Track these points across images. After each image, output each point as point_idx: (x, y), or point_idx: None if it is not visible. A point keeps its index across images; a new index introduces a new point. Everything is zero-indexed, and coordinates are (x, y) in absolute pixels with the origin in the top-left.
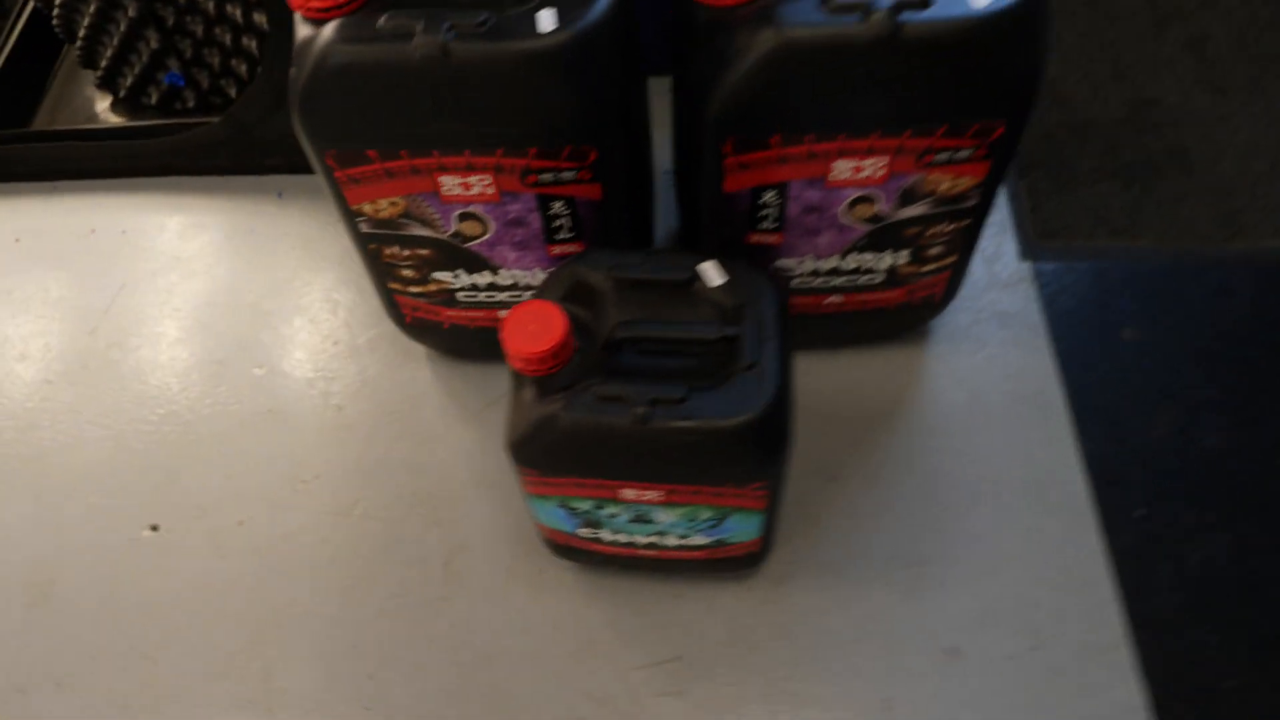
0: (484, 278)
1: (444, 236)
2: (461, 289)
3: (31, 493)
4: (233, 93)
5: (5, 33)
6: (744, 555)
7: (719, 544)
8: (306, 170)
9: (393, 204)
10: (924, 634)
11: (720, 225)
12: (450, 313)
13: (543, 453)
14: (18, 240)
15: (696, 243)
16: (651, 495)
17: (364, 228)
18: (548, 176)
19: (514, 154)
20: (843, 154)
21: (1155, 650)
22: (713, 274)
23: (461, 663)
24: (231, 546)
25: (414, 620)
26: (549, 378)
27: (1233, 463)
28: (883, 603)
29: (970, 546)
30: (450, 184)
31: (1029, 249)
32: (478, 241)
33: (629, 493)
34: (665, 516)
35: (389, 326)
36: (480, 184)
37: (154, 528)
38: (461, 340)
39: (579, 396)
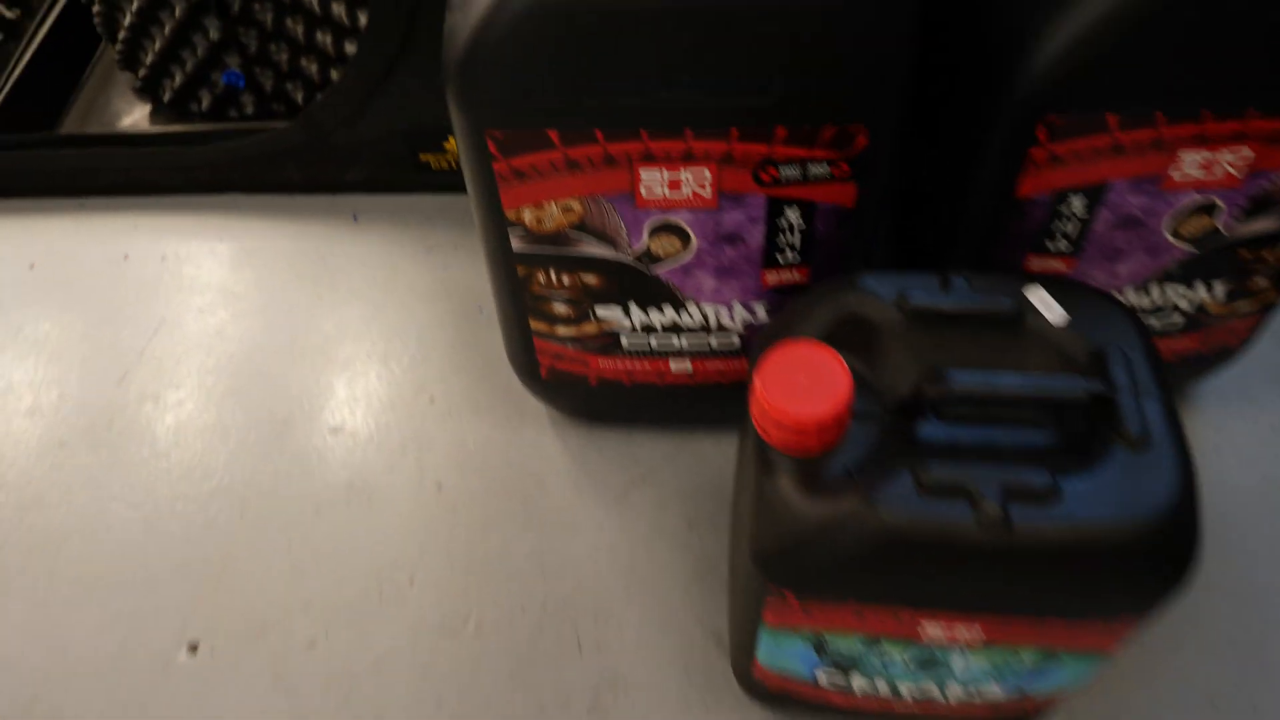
0: (664, 315)
1: (628, 258)
2: (629, 331)
3: (32, 594)
4: (299, 98)
5: (32, 31)
6: (1027, 711)
7: (1018, 697)
8: (390, 189)
9: (567, 209)
10: None
11: (986, 246)
12: (604, 363)
13: (821, 571)
14: (33, 267)
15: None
16: (968, 634)
17: (517, 243)
18: (792, 172)
19: (754, 136)
20: (1201, 141)
21: None
22: (1050, 304)
23: None
24: (298, 675)
25: None
26: (820, 460)
27: None
28: None
29: None
30: (654, 181)
31: None
32: (671, 264)
33: (934, 629)
34: (970, 662)
35: (502, 380)
36: (695, 181)
37: (193, 647)
38: (608, 401)
39: (889, 486)
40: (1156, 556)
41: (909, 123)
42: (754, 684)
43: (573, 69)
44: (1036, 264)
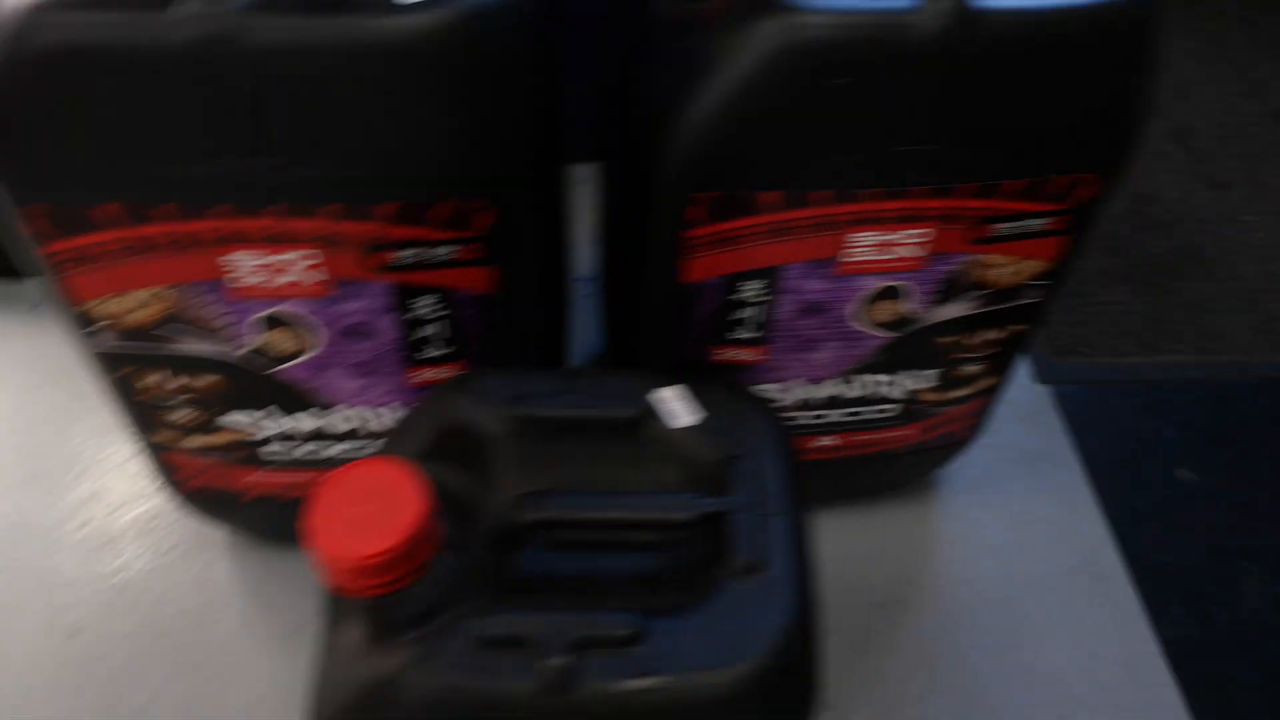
0: (305, 421)
1: (236, 357)
2: (269, 440)
3: None
4: None
5: None
6: None
7: None
8: None
9: (150, 300)
10: None
11: (671, 337)
12: (254, 477)
13: None
14: None
15: (632, 366)
16: None
17: (105, 342)
18: (409, 255)
19: (357, 213)
20: (868, 221)
21: None
22: (677, 407)
23: None
24: None
25: None
26: (395, 600)
27: None
28: None
29: None
30: (246, 265)
31: (1044, 370)
32: (295, 363)
33: None
34: None
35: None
36: (300, 266)
37: None
38: (273, 519)
39: (444, 641)
40: (763, 709)
41: (555, 199)
42: None
43: (115, 127)
44: (724, 355)
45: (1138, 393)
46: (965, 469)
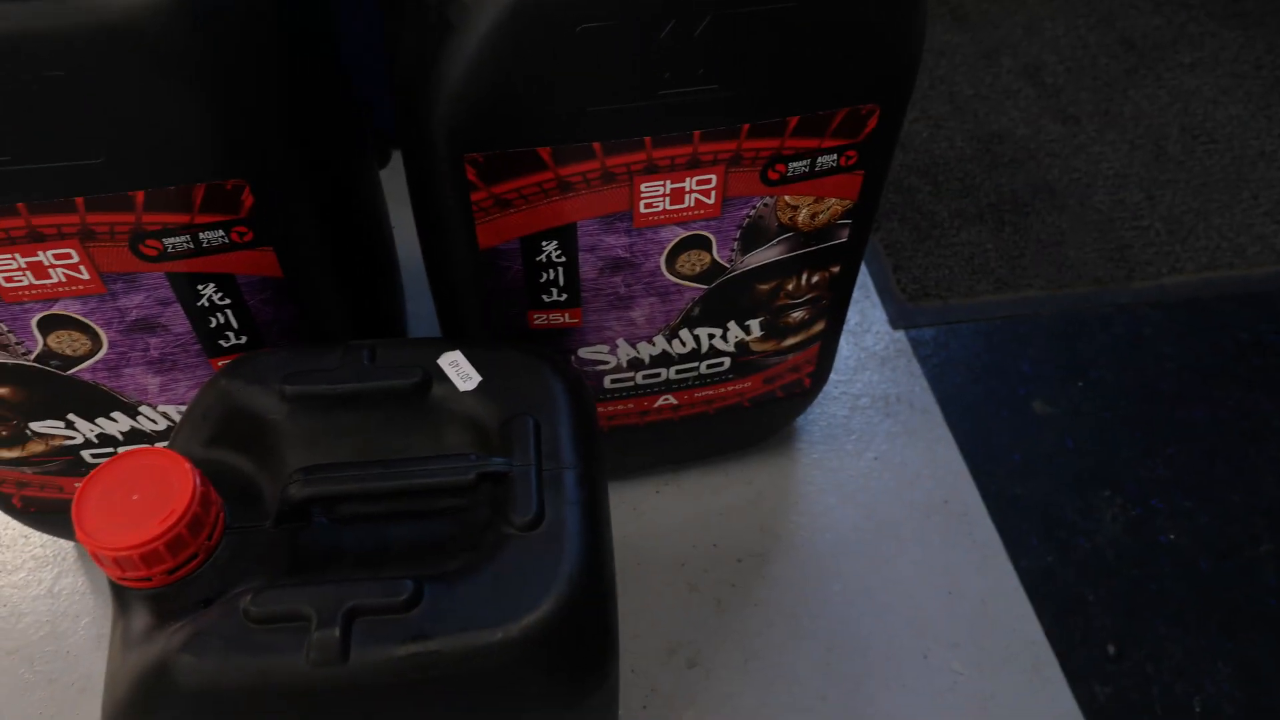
0: (117, 423)
1: (26, 361)
2: (88, 445)
3: None
4: None
5: None
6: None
7: None
8: None
9: None
10: None
11: (484, 304)
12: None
13: None
14: None
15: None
16: None
17: None
18: (178, 243)
19: (107, 203)
20: (652, 169)
21: None
22: (459, 371)
23: None
24: None
25: None
26: (175, 589)
27: (1206, 559)
28: None
29: None
30: (9, 267)
31: (900, 314)
32: (88, 364)
33: None
34: None
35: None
36: (61, 264)
37: None
38: None
39: (216, 622)
40: (546, 664)
41: (344, 179)
42: None
43: None
44: (541, 320)
45: (994, 330)
46: (822, 418)
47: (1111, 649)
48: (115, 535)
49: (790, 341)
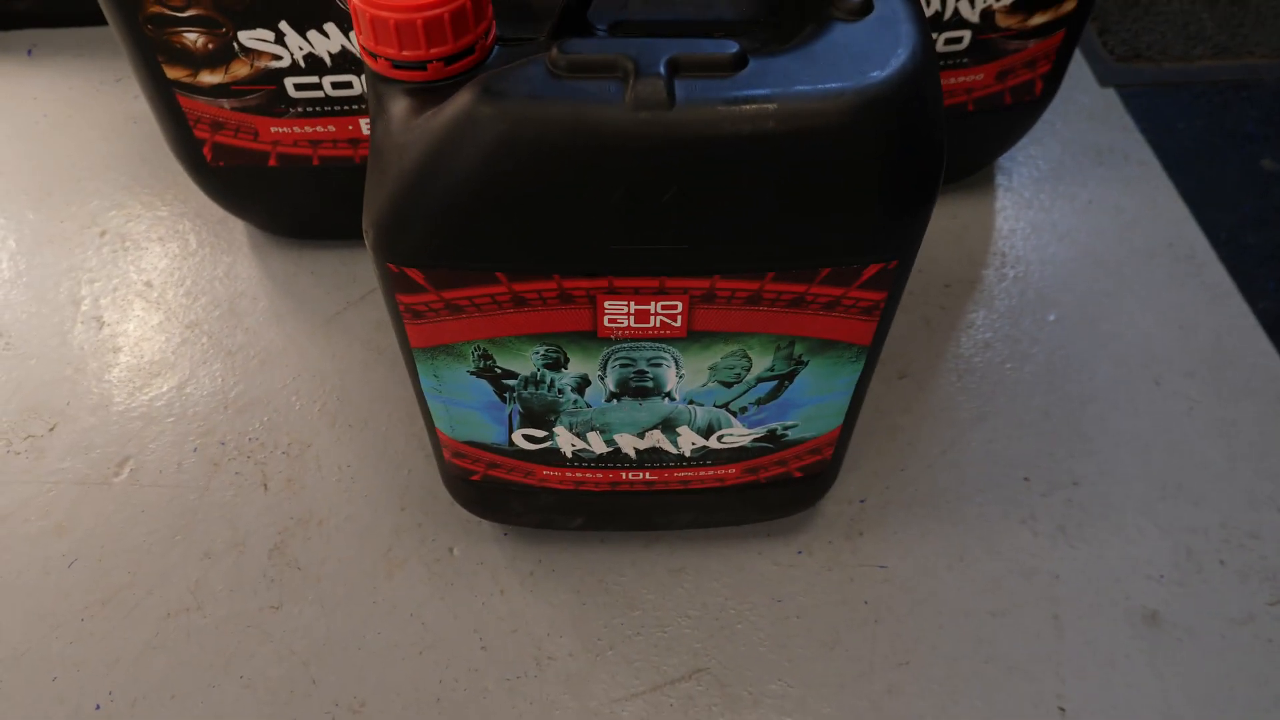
0: (328, 40)
1: None
2: (290, 73)
3: None
4: None
5: None
6: (803, 473)
7: (770, 445)
8: (70, 21)
9: None
10: (1101, 595)
11: None
12: (278, 128)
13: (439, 216)
14: None
15: None
16: (664, 318)
17: None
18: None
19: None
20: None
21: None
22: None
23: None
24: None
25: (217, 650)
26: (447, 90)
27: None
28: (1026, 549)
29: (1135, 457)
30: None
31: (1109, 73)
32: None
33: (617, 312)
34: (685, 374)
35: (193, 206)
36: None
37: None
38: (298, 193)
39: (516, 73)
40: (885, 144)
41: None
42: (461, 487)
43: None
44: None
45: (1214, 92)
46: (1028, 163)
47: None
48: None
49: (1037, 19)
